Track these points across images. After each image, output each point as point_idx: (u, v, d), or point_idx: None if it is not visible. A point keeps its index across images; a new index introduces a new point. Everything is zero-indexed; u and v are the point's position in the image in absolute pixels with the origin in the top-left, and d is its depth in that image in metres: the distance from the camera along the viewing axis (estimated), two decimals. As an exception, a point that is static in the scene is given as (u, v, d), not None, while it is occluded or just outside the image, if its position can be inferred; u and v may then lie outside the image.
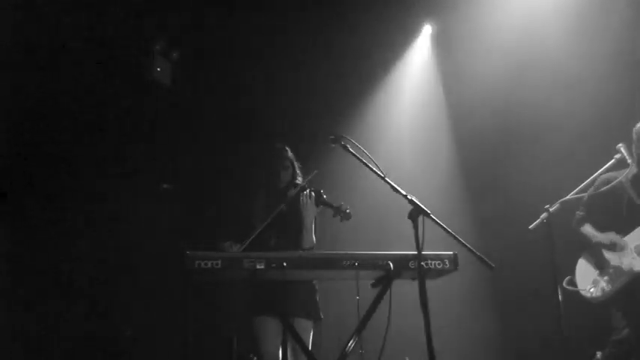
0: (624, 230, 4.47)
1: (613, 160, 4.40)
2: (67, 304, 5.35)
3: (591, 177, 4.40)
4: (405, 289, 3.55)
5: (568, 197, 4.32)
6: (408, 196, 3.14)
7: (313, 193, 4.03)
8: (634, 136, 4.51)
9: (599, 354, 4.46)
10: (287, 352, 3.63)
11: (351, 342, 3.29)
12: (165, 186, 5.88)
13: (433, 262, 3.29)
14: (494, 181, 6.20)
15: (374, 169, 3.31)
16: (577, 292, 4.54)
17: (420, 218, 3.08)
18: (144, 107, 6.01)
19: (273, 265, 3.19)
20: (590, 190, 4.52)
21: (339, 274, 3.38)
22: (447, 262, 3.31)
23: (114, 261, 5.60)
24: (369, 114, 6.71)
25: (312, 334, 4.03)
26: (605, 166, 4.42)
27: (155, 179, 5.89)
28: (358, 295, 3.40)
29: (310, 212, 4.01)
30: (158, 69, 6.06)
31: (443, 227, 3.11)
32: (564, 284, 4.50)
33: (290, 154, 4.29)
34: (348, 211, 3.96)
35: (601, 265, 4.51)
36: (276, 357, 3.90)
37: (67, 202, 5.57)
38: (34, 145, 5.58)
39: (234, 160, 6.04)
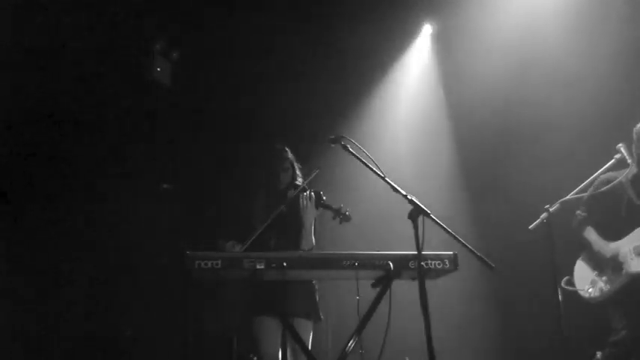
0: (624, 230, 4.47)
1: (613, 160, 4.40)
2: (67, 304, 5.35)
3: (591, 177, 4.40)
4: (405, 289, 3.56)
5: (568, 197, 4.32)
6: (408, 196, 3.14)
7: (313, 195, 4.03)
8: (634, 136, 4.51)
9: (599, 354, 4.45)
10: (286, 353, 3.63)
11: (351, 342, 3.29)
12: (165, 186, 5.88)
13: (433, 262, 3.29)
14: (495, 181, 6.20)
15: (374, 169, 3.31)
16: (576, 293, 4.54)
17: (420, 218, 3.08)
18: (144, 107, 6.01)
19: (273, 265, 3.19)
20: (590, 190, 4.51)
21: (339, 274, 3.38)
22: (447, 262, 3.31)
23: (114, 261, 5.60)
24: (369, 114, 6.71)
25: (311, 334, 4.03)
26: (605, 166, 4.42)
27: (155, 179, 5.89)
28: (358, 295, 3.40)
29: (310, 214, 4.01)
30: (158, 69, 6.07)
31: (443, 227, 3.11)
32: (562, 284, 4.50)
33: (290, 154, 4.28)
34: (347, 213, 3.96)
35: (599, 266, 4.51)
36: (275, 357, 3.90)
37: (67, 202, 5.57)
38: (34, 145, 5.58)
39: (234, 161, 6.04)
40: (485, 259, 3.06)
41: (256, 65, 6.31)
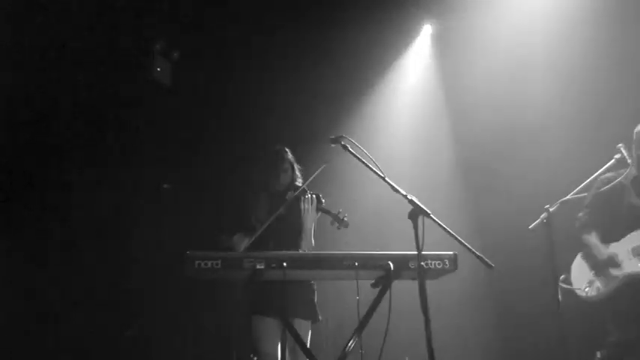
0: (623, 231, 4.47)
1: (613, 160, 4.39)
2: (67, 303, 5.35)
3: (591, 177, 4.40)
4: (405, 289, 3.56)
5: (568, 197, 4.31)
6: (408, 196, 3.14)
7: (314, 197, 4.02)
8: (634, 136, 4.51)
9: (598, 354, 4.46)
10: (286, 353, 3.63)
11: (351, 342, 3.29)
12: (165, 186, 5.88)
13: (433, 262, 3.29)
14: (494, 181, 6.19)
15: (374, 169, 3.31)
16: (575, 293, 4.54)
17: (420, 218, 3.07)
18: (144, 107, 6.01)
19: (273, 265, 3.19)
20: (592, 191, 4.51)
21: (339, 274, 3.38)
22: (447, 262, 3.31)
23: (114, 261, 5.60)
24: (369, 114, 6.71)
25: (310, 334, 4.03)
26: (605, 166, 4.41)
27: (155, 179, 5.89)
28: (358, 295, 3.40)
29: (310, 217, 4.01)
30: (158, 69, 6.07)
31: (443, 227, 3.11)
32: (559, 282, 4.50)
33: (290, 155, 4.28)
34: (345, 219, 3.96)
35: (597, 266, 4.51)
36: (275, 357, 3.90)
37: (67, 202, 5.57)
38: (33, 145, 5.58)
39: (234, 161, 6.04)
40: (485, 259, 3.06)
41: (256, 65, 6.31)
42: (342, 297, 5.55)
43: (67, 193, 5.60)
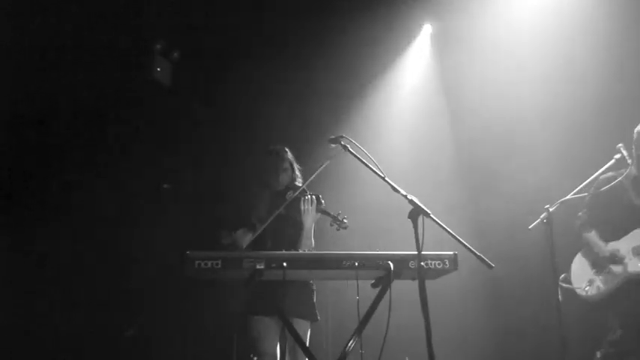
0: (623, 231, 4.47)
1: (613, 160, 4.40)
2: (68, 304, 5.35)
3: (591, 177, 4.40)
4: (405, 289, 3.56)
5: (568, 197, 4.31)
6: (408, 196, 3.14)
7: (314, 198, 4.02)
8: (634, 136, 4.51)
9: (598, 354, 4.46)
10: (285, 352, 3.63)
11: (351, 342, 3.29)
12: (165, 186, 5.88)
13: (433, 262, 3.29)
14: (494, 181, 6.19)
15: (374, 169, 3.31)
16: (575, 292, 4.54)
17: (420, 218, 3.07)
18: (144, 107, 6.01)
19: (274, 265, 3.19)
20: (592, 191, 4.51)
21: (339, 274, 3.38)
22: (447, 262, 3.31)
23: (114, 261, 5.60)
24: (368, 114, 6.71)
25: (309, 334, 4.03)
26: (605, 166, 4.42)
27: (155, 179, 5.89)
28: (358, 295, 3.40)
29: (310, 217, 4.01)
30: (158, 69, 6.07)
31: (443, 227, 3.11)
32: (559, 281, 4.50)
33: (289, 155, 4.28)
34: (345, 220, 3.96)
35: (598, 265, 4.52)
36: (274, 357, 3.90)
37: (67, 202, 5.57)
38: (33, 145, 5.58)
39: (234, 161, 6.04)
40: (485, 258, 3.06)
41: (256, 65, 6.30)
42: (342, 297, 5.56)
43: (67, 193, 5.60)
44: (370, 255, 3.29)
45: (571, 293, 4.53)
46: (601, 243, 4.53)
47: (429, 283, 3.10)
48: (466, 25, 6.36)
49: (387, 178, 3.27)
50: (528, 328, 5.80)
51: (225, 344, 5.03)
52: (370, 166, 3.32)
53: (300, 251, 3.96)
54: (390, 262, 3.25)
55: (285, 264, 3.19)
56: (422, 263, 3.08)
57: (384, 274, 3.29)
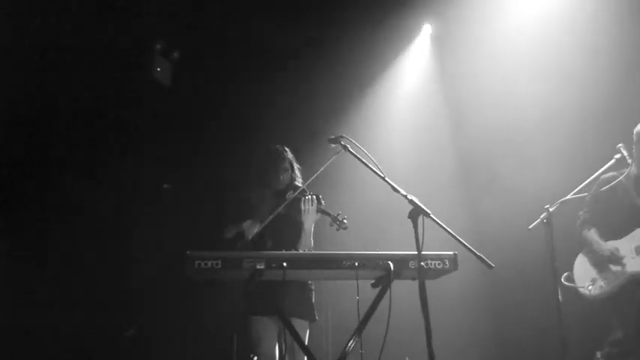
0: (624, 230, 4.47)
1: (613, 160, 4.40)
2: (68, 304, 5.35)
3: (591, 177, 4.40)
4: (405, 289, 3.56)
5: (568, 197, 4.31)
6: (408, 196, 3.14)
7: (315, 198, 4.02)
8: (634, 137, 4.51)
9: (598, 354, 4.46)
10: (284, 352, 3.63)
11: (351, 342, 3.29)
12: (165, 186, 5.88)
13: (433, 262, 3.29)
14: (494, 181, 6.19)
15: (374, 168, 3.31)
16: (576, 292, 4.54)
17: (420, 218, 3.07)
18: (144, 107, 6.01)
19: (274, 265, 3.19)
20: (592, 190, 4.52)
21: (339, 274, 3.37)
22: (447, 262, 3.31)
23: (114, 261, 5.60)
24: (368, 114, 6.70)
25: (307, 333, 4.03)
26: (605, 166, 4.42)
27: (155, 179, 5.89)
28: (358, 295, 3.40)
29: (310, 217, 4.01)
30: (158, 69, 6.07)
31: (443, 227, 3.11)
32: (562, 280, 4.51)
33: (289, 154, 4.28)
34: (345, 220, 3.96)
35: (600, 264, 4.52)
36: (273, 357, 3.90)
37: (67, 202, 5.57)
38: (33, 145, 5.58)
39: (234, 161, 6.04)
40: (485, 259, 3.06)
41: (256, 65, 6.31)
42: (342, 297, 5.56)
43: (67, 193, 5.60)
44: (370, 255, 3.29)
45: (572, 293, 4.54)
46: (601, 241, 4.54)
47: (429, 283, 3.10)
48: (466, 25, 6.36)
49: (387, 178, 3.27)
50: (528, 328, 5.79)
51: (225, 344, 5.02)
52: (370, 166, 3.32)
53: (300, 251, 3.97)
54: (390, 262, 3.25)
55: (285, 264, 3.19)
56: (422, 263, 3.08)
57: (384, 274, 3.29)
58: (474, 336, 6.08)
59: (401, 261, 3.27)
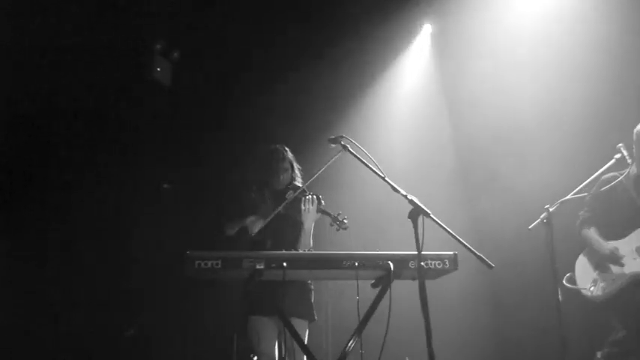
0: (625, 230, 4.47)
1: (613, 160, 4.40)
2: (68, 304, 5.35)
3: (591, 177, 4.40)
4: (405, 289, 3.55)
5: (568, 197, 4.31)
6: (408, 196, 3.14)
7: (315, 198, 4.02)
8: (634, 137, 4.51)
9: (598, 354, 4.46)
10: (283, 352, 3.63)
11: (351, 342, 3.29)
12: (165, 186, 5.88)
13: (433, 262, 3.29)
14: (494, 181, 6.19)
15: (374, 168, 3.31)
16: (576, 292, 4.54)
17: (420, 218, 3.07)
18: (144, 107, 6.01)
19: (273, 265, 3.19)
20: (592, 190, 4.52)
21: (339, 274, 3.38)
22: (447, 262, 3.31)
23: (114, 261, 5.60)
24: (368, 113, 6.70)
25: (307, 333, 4.03)
26: (605, 166, 4.42)
27: (155, 179, 5.89)
28: (358, 295, 3.40)
29: (310, 217, 4.01)
30: (158, 69, 6.07)
31: (443, 227, 3.11)
32: (564, 281, 4.51)
33: (289, 154, 4.28)
34: (345, 220, 3.96)
35: (601, 265, 4.51)
36: (272, 357, 3.90)
37: (68, 202, 5.57)
38: (33, 145, 5.58)
39: (234, 160, 6.04)
40: (485, 259, 3.06)
41: (256, 65, 6.31)
42: (342, 297, 5.56)
43: (67, 193, 5.60)
44: (370, 255, 3.29)
45: (571, 293, 4.53)
46: (601, 240, 4.54)
47: (429, 283, 3.10)
48: (466, 25, 6.36)
49: (387, 178, 3.27)
50: (528, 329, 5.79)
51: (225, 344, 5.02)
52: (370, 166, 3.32)
53: (300, 251, 3.97)
54: (390, 262, 3.25)
55: (285, 264, 3.19)
56: (422, 263, 3.08)
57: (384, 274, 3.29)
58: (474, 336, 6.07)
59: (401, 261, 3.27)
